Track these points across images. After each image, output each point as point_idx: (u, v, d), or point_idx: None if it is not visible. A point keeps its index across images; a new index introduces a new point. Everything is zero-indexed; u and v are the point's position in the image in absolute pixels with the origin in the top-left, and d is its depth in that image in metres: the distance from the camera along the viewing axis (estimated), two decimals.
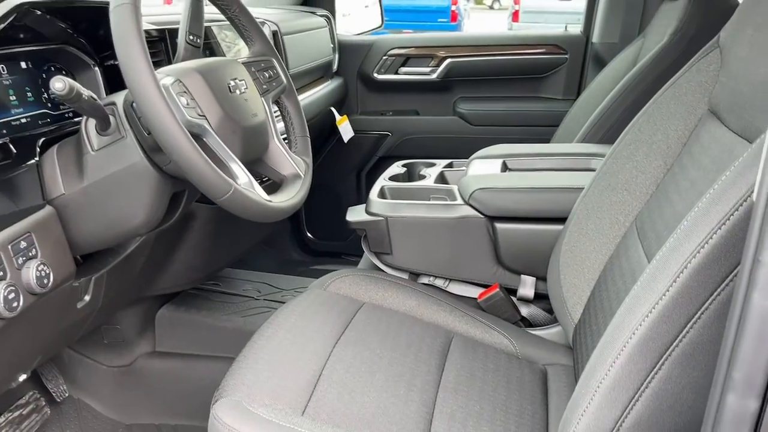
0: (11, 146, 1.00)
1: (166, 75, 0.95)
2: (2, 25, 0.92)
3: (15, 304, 0.86)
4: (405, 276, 1.42)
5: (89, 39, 1.18)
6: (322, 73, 2.31)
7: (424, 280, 1.42)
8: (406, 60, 2.42)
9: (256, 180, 1.00)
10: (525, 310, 1.37)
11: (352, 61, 2.44)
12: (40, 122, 1.11)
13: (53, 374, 1.51)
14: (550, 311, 1.35)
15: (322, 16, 2.32)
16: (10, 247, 0.88)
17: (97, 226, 1.02)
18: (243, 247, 1.78)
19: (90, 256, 1.13)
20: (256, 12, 1.97)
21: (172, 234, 1.29)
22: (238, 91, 1.05)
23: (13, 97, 1.07)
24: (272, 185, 1.19)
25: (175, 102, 0.89)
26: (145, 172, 0.98)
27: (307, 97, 2.06)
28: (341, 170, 2.54)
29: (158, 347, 1.63)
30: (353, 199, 2.58)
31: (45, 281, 0.92)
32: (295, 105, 1.23)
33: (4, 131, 1.03)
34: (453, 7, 11.44)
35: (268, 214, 0.99)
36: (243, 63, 1.13)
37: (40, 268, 0.91)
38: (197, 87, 0.97)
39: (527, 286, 1.36)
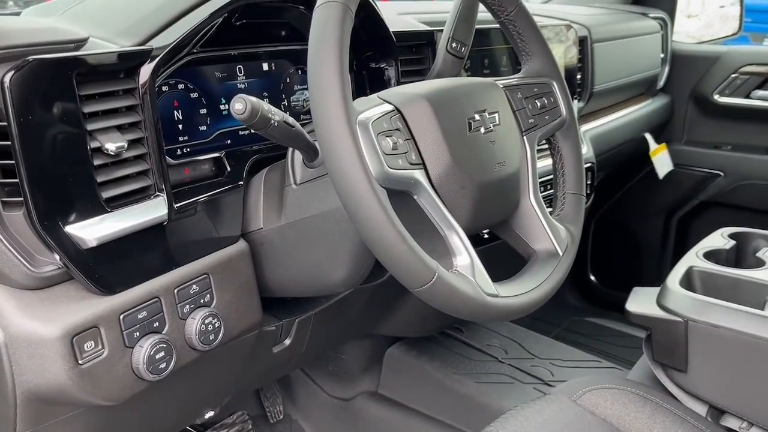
0: (226, 161, 0.86)
1: (383, 102, 0.69)
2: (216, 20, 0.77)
3: (162, 365, 0.70)
4: (702, 410, 0.97)
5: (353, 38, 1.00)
6: (642, 89, 1.89)
7: (732, 423, 0.95)
8: (765, 81, 1.82)
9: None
10: None
11: (686, 76, 1.95)
12: None
13: (273, 392, 1.43)
14: None
15: (655, 18, 1.87)
16: (176, 291, 0.73)
17: (288, 276, 0.84)
18: None
19: None
20: (570, 11, 1.62)
21: None
22: (482, 129, 0.73)
23: None
24: (500, 250, 0.86)
25: (372, 147, 0.62)
26: (346, 222, 0.75)
27: (616, 119, 1.70)
28: (647, 209, 2.07)
29: (381, 389, 1.45)
30: (656, 248, 2.10)
31: (211, 337, 0.76)
32: (574, 149, 0.86)
33: (228, 141, 0.90)
34: None
35: (490, 315, 0.67)
36: (505, 87, 0.81)
37: (207, 321, 0.75)
38: (420, 122, 0.68)
39: None
